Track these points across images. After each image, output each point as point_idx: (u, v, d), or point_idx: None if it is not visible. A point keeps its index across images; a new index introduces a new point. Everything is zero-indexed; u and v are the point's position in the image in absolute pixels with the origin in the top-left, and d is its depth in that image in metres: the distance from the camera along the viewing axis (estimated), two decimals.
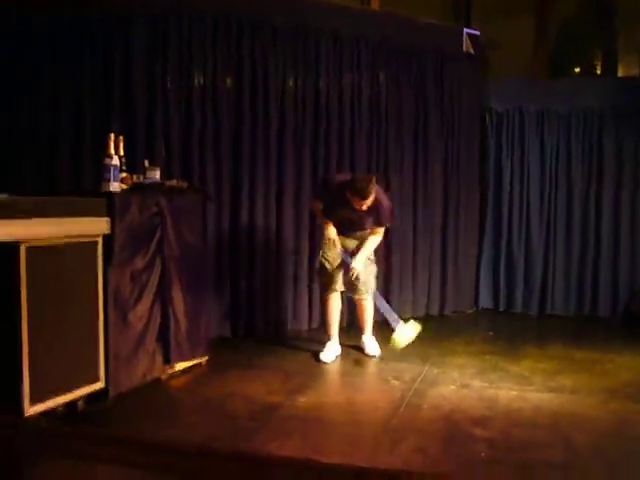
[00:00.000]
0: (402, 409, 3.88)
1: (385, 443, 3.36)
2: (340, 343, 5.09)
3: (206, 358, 4.73)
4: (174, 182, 4.56)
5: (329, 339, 5.07)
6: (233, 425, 3.57)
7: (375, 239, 4.99)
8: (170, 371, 4.40)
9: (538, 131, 7.03)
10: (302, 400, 4.00)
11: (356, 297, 5.07)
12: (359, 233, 5.00)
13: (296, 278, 5.90)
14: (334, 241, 4.91)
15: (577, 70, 8.68)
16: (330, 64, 5.99)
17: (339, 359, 4.98)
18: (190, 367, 4.56)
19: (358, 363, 4.90)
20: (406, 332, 4.72)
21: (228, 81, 5.57)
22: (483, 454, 3.22)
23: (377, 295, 5.05)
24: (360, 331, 5.20)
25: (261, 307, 5.73)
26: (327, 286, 5.03)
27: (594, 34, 9.11)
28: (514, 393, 4.21)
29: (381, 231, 5.01)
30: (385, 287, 6.25)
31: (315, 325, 6.01)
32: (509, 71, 7.79)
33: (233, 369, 4.67)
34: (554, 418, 3.78)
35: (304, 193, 5.89)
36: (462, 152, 6.84)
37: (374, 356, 5.02)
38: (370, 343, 5.11)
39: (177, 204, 4.41)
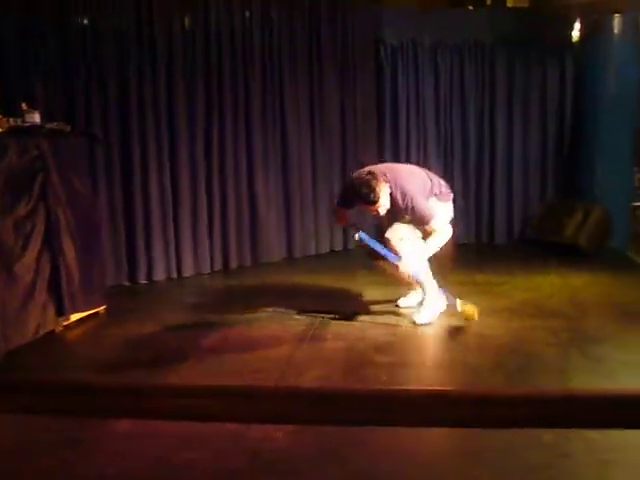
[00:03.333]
0: (306, 342, 3.88)
1: (289, 374, 3.34)
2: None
3: (103, 307, 4.57)
4: (55, 125, 4.30)
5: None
6: (134, 368, 3.47)
7: (434, 239, 4.15)
8: (65, 323, 4.22)
9: (432, 63, 7.05)
10: (206, 341, 3.94)
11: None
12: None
13: (194, 222, 5.74)
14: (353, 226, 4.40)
15: (469, 2, 8.70)
16: (220, 2, 5.76)
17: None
18: (86, 317, 4.40)
19: (261, 302, 4.85)
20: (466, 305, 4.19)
21: (112, 20, 5.27)
22: (384, 377, 3.26)
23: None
24: None
25: (160, 253, 5.56)
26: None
27: None
28: (412, 318, 4.27)
29: (435, 226, 4.13)
30: (287, 224, 6.23)
31: (217, 268, 5.91)
32: (403, 2, 7.72)
33: (132, 316, 4.54)
34: (456, 339, 3.87)
35: (198, 137, 5.72)
36: (358, 86, 6.78)
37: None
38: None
39: (60, 147, 4.18)
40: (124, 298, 5.01)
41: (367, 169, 4.21)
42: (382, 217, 4.29)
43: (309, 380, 3.23)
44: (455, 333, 4.02)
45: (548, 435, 2.50)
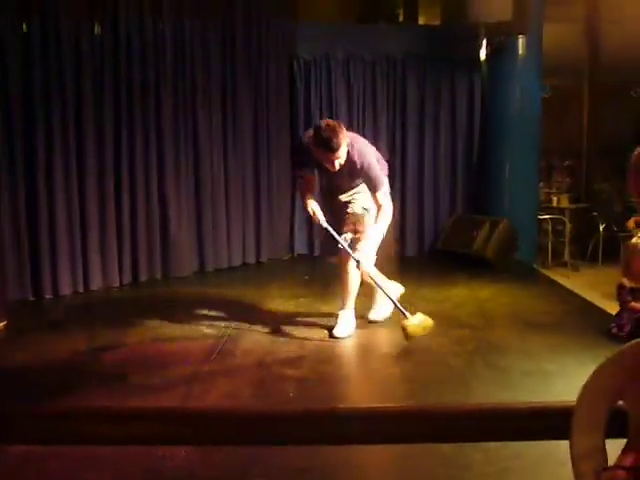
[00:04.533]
0: (214, 356, 3.83)
1: (195, 390, 3.29)
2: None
3: (4, 323, 4.38)
4: None
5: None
6: (29, 389, 3.33)
7: (380, 218, 4.11)
8: None
9: (345, 77, 7.14)
10: (109, 357, 3.83)
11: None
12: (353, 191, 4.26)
13: (102, 231, 5.59)
14: (317, 219, 4.19)
15: (382, 18, 8.87)
16: (130, 9, 5.65)
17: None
18: None
19: (171, 315, 4.76)
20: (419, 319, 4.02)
21: (15, 27, 5.07)
22: (291, 394, 3.25)
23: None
24: None
25: (65, 265, 5.38)
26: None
27: None
28: (325, 332, 4.29)
29: (382, 198, 4.10)
30: (199, 237, 6.17)
31: (126, 281, 5.78)
32: (317, 17, 7.80)
33: (35, 332, 4.38)
34: (359, 352, 3.91)
35: (107, 150, 5.57)
36: (271, 101, 6.79)
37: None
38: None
39: None
40: (27, 313, 4.83)
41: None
42: (334, 180, 4.22)
43: (216, 397, 3.18)
44: (361, 345, 4.05)
45: (447, 448, 2.54)
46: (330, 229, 4.16)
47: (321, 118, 6.99)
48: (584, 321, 4.60)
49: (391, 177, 7.03)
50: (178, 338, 4.22)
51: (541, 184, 8.17)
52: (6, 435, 2.50)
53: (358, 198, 4.26)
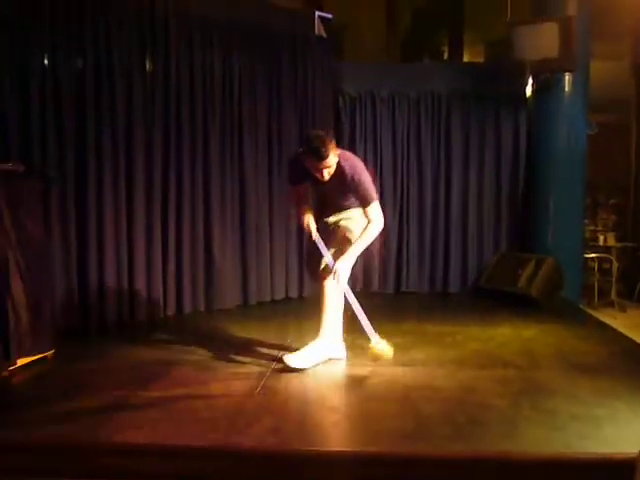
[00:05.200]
0: (258, 391, 3.83)
1: (238, 425, 3.29)
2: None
3: (52, 352, 4.46)
4: (9, 165, 4.25)
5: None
6: (76, 420, 3.37)
7: (369, 230, 4.15)
8: (11, 367, 4.10)
9: (390, 114, 7.20)
10: (154, 391, 3.85)
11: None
12: (348, 211, 4.32)
13: (149, 264, 5.69)
14: (310, 231, 4.29)
15: (426, 57, 8.97)
16: (180, 44, 5.81)
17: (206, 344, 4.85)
18: (34, 362, 4.29)
19: (214, 350, 4.79)
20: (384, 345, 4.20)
21: (71, 62, 5.25)
22: (336, 430, 3.23)
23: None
24: None
25: (112, 296, 5.48)
26: (311, 274, 4.47)
27: (442, 23, 9.46)
28: (369, 369, 4.27)
29: (373, 213, 4.14)
30: (243, 270, 6.22)
31: (170, 313, 5.85)
32: (362, 55, 7.94)
33: (81, 362, 4.43)
34: (406, 391, 3.86)
35: (155, 180, 5.70)
36: None
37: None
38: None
39: (13, 189, 4.12)
40: (74, 342, 4.89)
41: None
42: (326, 196, 4.28)
43: (259, 433, 3.17)
44: (403, 384, 4.01)
45: None
46: (322, 245, 4.23)
47: (365, 153, 7.11)
48: (633, 364, 4.49)
49: (435, 213, 7.15)
50: (221, 372, 4.24)
51: (586, 221, 8.07)
52: (55, 469, 2.54)
53: (349, 223, 4.30)
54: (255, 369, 4.30)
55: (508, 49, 6.73)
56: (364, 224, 4.21)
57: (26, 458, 3.09)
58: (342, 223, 4.34)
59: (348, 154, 4.25)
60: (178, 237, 5.87)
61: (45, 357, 4.41)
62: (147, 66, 5.65)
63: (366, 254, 4.59)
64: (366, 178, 4.13)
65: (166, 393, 3.80)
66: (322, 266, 4.27)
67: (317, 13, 6.92)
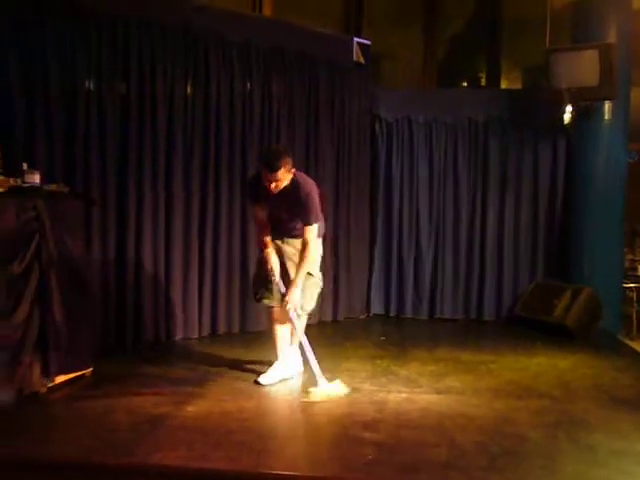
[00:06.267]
0: (292, 414, 3.85)
1: (273, 449, 3.30)
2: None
3: (90, 370, 4.53)
4: (54, 186, 4.36)
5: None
6: (115, 439, 3.41)
7: (307, 253, 4.31)
8: (50, 384, 4.17)
9: (426, 140, 7.22)
10: (190, 410, 3.88)
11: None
12: (290, 235, 4.48)
13: (185, 286, 5.76)
14: (269, 267, 4.41)
15: (464, 82, 8.98)
16: (221, 70, 5.92)
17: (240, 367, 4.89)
18: (72, 379, 4.35)
19: (250, 371, 4.82)
20: (327, 389, 4.27)
21: (114, 85, 5.38)
22: (370, 457, 3.22)
23: (305, 339, 4.42)
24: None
25: (149, 316, 5.56)
26: (266, 296, 4.51)
27: (480, 48, 9.47)
28: (403, 396, 4.26)
29: (310, 235, 4.31)
30: None
31: (205, 333, 5.91)
32: (399, 81, 7.98)
33: (118, 380, 4.48)
34: (440, 419, 3.84)
35: (194, 201, 5.79)
36: (352, 160, 6.93)
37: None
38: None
39: (57, 209, 4.22)
40: (111, 361, 4.95)
41: None
42: (274, 217, 4.42)
43: (292, 457, 3.18)
44: (438, 412, 3.98)
45: None
46: (281, 285, 4.40)
47: (402, 179, 7.14)
48: None
49: (470, 239, 7.11)
50: (256, 393, 4.26)
51: (625, 250, 7.94)
52: None
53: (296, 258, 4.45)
54: (290, 392, 4.32)
55: (547, 76, 6.71)
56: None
57: (63, 475, 3.13)
58: (291, 256, 4.48)
59: (308, 178, 4.45)
60: (214, 258, 5.94)
61: (83, 375, 4.47)
62: (188, 91, 5.76)
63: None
64: (316, 200, 4.32)
65: (201, 413, 3.83)
66: (270, 293, 4.47)
67: (355, 39, 7.00)
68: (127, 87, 5.42)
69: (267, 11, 7.22)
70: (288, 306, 4.34)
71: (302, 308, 4.51)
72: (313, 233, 4.35)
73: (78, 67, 5.16)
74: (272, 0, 7.22)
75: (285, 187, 4.25)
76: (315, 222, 4.33)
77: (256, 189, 4.39)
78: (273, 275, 4.41)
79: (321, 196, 4.46)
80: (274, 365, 4.58)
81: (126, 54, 5.38)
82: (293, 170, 4.25)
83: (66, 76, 5.10)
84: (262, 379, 4.46)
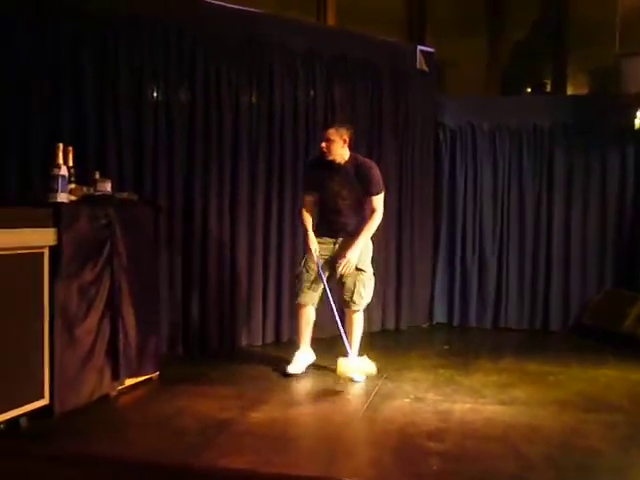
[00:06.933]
0: (356, 422, 3.85)
1: (338, 456, 3.32)
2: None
3: (157, 374, 4.64)
4: (125, 194, 4.50)
5: (298, 348, 4.97)
6: (182, 441, 3.48)
7: (374, 219, 4.69)
8: (119, 387, 4.29)
9: (491, 147, 7.14)
10: (255, 415, 3.93)
11: (345, 309, 4.94)
12: (345, 232, 4.75)
13: (249, 292, 5.84)
14: (312, 253, 4.75)
15: (528, 88, 8.85)
16: (284, 79, 5.99)
17: (304, 373, 4.93)
18: (140, 383, 4.47)
19: (314, 377, 4.85)
20: (356, 362, 4.63)
21: (181, 94, 5.51)
22: (435, 467, 3.20)
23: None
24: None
25: (214, 322, 5.64)
26: (298, 294, 4.89)
27: (545, 54, 9.31)
28: (467, 406, 4.22)
29: (378, 203, 4.69)
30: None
31: (269, 340, 5.96)
32: (463, 88, 7.92)
33: (184, 385, 4.57)
34: (506, 430, 3.78)
35: (258, 209, 5.86)
36: (416, 168, 6.90)
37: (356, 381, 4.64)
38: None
39: (127, 216, 4.34)
40: (177, 366, 5.06)
41: None
42: (330, 195, 4.67)
43: (357, 465, 3.19)
44: (504, 422, 3.92)
45: None
46: (321, 270, 4.67)
47: (465, 186, 7.07)
48: None
49: (536, 247, 6.98)
50: (321, 402, 4.28)
51: None
52: None
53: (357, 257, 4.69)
54: (355, 398, 4.33)
55: (615, 81, 6.56)
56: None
57: (130, 476, 3.21)
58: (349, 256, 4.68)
59: (367, 159, 4.81)
60: (278, 264, 6.00)
61: (150, 378, 4.58)
62: (253, 99, 5.85)
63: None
64: (378, 174, 4.67)
65: (266, 419, 3.87)
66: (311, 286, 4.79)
67: (419, 47, 6.98)
68: (193, 96, 5.53)
69: (331, 20, 7.28)
70: (342, 268, 4.61)
71: (358, 303, 4.80)
72: (380, 202, 4.70)
73: (146, 77, 5.30)
74: (335, 9, 7.27)
75: (345, 165, 4.63)
76: (380, 192, 4.69)
77: (315, 170, 4.77)
78: (313, 256, 4.69)
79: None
80: (298, 353, 4.90)
81: (192, 64, 5.49)
82: (349, 151, 4.62)
83: (135, 86, 5.25)
84: (291, 368, 4.77)
